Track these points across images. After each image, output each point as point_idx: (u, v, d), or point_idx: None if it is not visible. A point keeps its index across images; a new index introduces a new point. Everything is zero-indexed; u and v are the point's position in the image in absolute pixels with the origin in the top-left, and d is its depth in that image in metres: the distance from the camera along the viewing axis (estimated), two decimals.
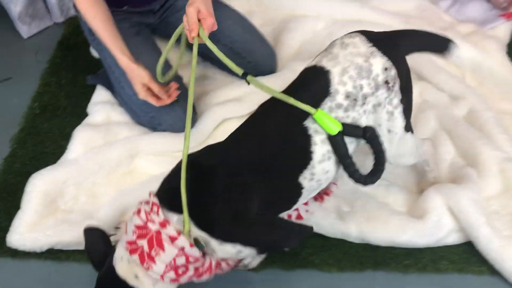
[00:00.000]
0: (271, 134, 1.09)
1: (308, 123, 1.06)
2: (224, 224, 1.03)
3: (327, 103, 1.06)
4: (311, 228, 1.23)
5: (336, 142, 1.06)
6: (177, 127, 1.53)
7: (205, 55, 1.77)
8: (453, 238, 1.37)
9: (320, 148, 1.07)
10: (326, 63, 1.09)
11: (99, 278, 1.07)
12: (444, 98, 1.68)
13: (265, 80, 1.70)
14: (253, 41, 1.70)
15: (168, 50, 1.29)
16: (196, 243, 1.03)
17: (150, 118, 1.52)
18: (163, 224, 1.00)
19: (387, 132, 1.15)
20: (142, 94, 1.42)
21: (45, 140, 1.62)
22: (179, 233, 1.00)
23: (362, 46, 1.09)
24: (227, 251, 1.05)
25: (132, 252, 1.01)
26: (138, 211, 1.04)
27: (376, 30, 1.84)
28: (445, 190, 1.37)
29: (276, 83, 1.67)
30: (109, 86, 1.71)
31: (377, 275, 1.33)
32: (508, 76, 1.76)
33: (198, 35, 1.19)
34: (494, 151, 1.47)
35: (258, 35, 1.74)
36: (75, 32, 1.98)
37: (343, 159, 1.07)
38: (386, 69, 1.08)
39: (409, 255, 1.36)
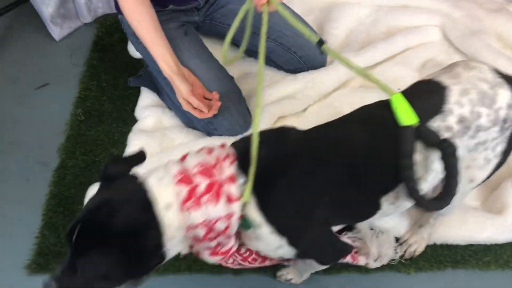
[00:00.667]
0: (367, 142, 0.97)
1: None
2: (286, 214, 0.93)
3: (436, 121, 0.92)
4: (352, 248, 1.14)
5: (404, 135, 0.91)
6: (235, 131, 1.47)
7: (249, 50, 1.70)
8: None
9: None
10: (444, 79, 0.95)
11: (116, 179, 0.87)
12: None
13: (316, 74, 1.64)
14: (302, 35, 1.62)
15: (234, 28, 1.14)
16: (243, 220, 0.91)
17: (206, 123, 1.45)
18: (231, 179, 0.88)
19: (468, 181, 1.03)
20: (185, 107, 1.36)
21: (94, 149, 1.55)
22: (238, 198, 0.88)
23: (489, 73, 0.96)
24: (270, 242, 0.95)
25: (180, 181, 0.85)
26: (210, 151, 0.92)
27: (423, 15, 1.81)
28: None
29: (330, 77, 1.63)
30: (155, 88, 1.64)
31: (457, 274, 1.29)
32: None
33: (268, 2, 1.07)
34: None
35: (308, 27, 1.66)
36: (108, 32, 1.90)
37: (404, 158, 0.90)
38: (510, 105, 0.94)
39: (489, 251, 1.32)
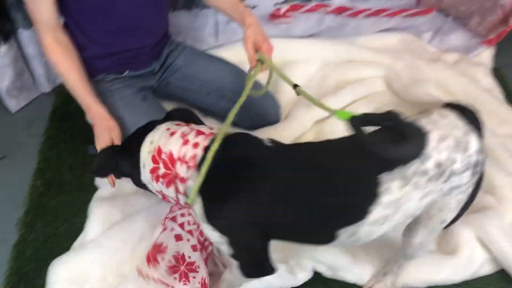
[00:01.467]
0: (335, 166, 1.00)
1: (385, 177, 0.96)
2: (227, 220, 1.02)
3: (415, 165, 0.95)
4: (274, 270, 1.13)
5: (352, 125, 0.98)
6: None
7: (208, 110, 1.76)
8: (486, 269, 1.40)
9: (381, 211, 0.98)
10: (425, 124, 0.98)
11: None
12: None
13: (272, 130, 1.70)
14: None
15: (243, 98, 1.17)
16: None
17: None
18: (182, 180, 1.04)
19: (439, 222, 1.08)
20: (101, 146, 1.31)
21: (55, 220, 1.54)
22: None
23: (460, 121, 1.00)
24: (211, 236, 1.06)
25: (152, 157, 1.06)
26: (186, 142, 1.05)
27: (368, 68, 1.94)
28: (471, 221, 1.40)
29: (284, 133, 1.70)
30: None
31: None
32: (500, 101, 1.84)
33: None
34: (507, 178, 1.52)
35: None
36: (66, 101, 1.92)
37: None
38: (479, 151, 0.99)
39: None
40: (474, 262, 1.38)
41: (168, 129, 1.08)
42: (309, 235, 1.08)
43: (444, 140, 0.96)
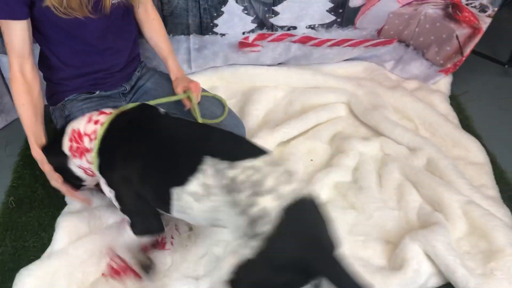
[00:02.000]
0: (186, 138, 1.25)
1: (208, 160, 1.12)
2: (113, 175, 1.27)
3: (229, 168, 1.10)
4: (162, 229, 1.34)
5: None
6: None
7: None
8: (433, 282, 1.45)
9: (197, 186, 1.12)
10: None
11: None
12: (403, 150, 1.82)
13: None
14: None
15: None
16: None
17: None
18: (87, 150, 1.31)
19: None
20: (53, 182, 1.49)
21: (24, 234, 1.60)
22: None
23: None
24: (105, 190, 1.31)
25: (69, 138, 1.34)
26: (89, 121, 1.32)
27: (332, 94, 2.05)
28: (419, 237, 1.46)
29: None
30: None
31: None
32: (455, 125, 1.95)
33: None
34: (456, 196, 1.60)
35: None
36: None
37: None
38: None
39: None
40: (421, 276, 1.43)
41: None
42: (158, 194, 1.23)
43: None
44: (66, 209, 1.64)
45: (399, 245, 1.49)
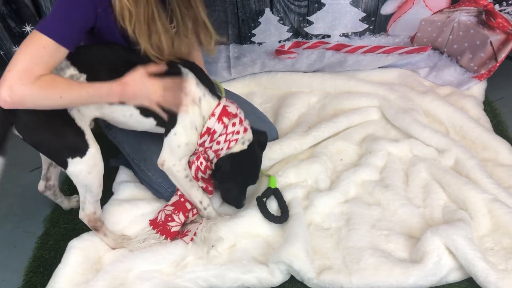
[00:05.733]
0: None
1: None
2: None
3: None
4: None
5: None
6: None
7: None
8: (454, 276, 1.47)
9: None
10: None
11: None
12: (432, 151, 1.86)
13: (271, 144, 1.88)
14: (254, 121, 1.86)
15: None
16: None
17: (170, 193, 1.70)
18: None
19: None
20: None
21: (75, 218, 1.77)
22: None
23: None
24: None
25: None
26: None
27: (364, 99, 2.12)
28: (440, 231, 1.49)
29: (281, 151, 1.90)
30: (131, 167, 1.91)
31: None
32: (486, 129, 1.96)
33: None
34: (481, 194, 1.62)
35: (259, 114, 1.96)
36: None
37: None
38: None
39: None
40: (442, 269, 1.45)
41: None
42: None
43: None
44: (112, 197, 1.81)
45: (420, 239, 1.53)
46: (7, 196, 1.94)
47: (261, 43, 2.18)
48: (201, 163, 1.58)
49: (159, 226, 1.59)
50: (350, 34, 2.18)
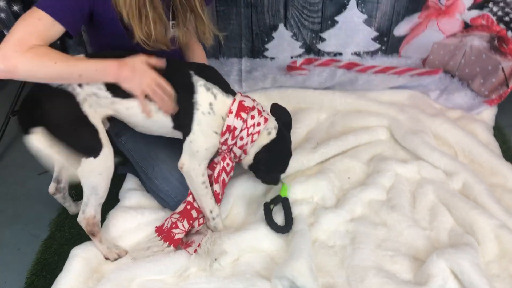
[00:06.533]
0: None
1: None
2: None
3: None
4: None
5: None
6: None
7: None
8: None
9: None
10: None
11: None
12: (440, 174, 1.86)
13: None
14: None
15: None
16: None
17: (176, 202, 1.70)
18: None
19: None
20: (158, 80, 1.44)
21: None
22: None
23: None
24: None
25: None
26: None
27: (373, 118, 2.12)
28: (446, 254, 1.48)
29: (289, 166, 1.88)
30: (138, 175, 1.92)
31: None
32: (495, 154, 1.96)
33: None
34: (489, 219, 1.60)
35: None
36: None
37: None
38: None
39: None
40: None
41: None
42: None
43: None
44: (118, 204, 1.81)
45: (426, 261, 1.52)
46: (14, 198, 1.95)
47: (273, 58, 2.21)
48: (228, 164, 1.61)
49: (164, 232, 1.59)
50: (362, 53, 2.20)
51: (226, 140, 1.56)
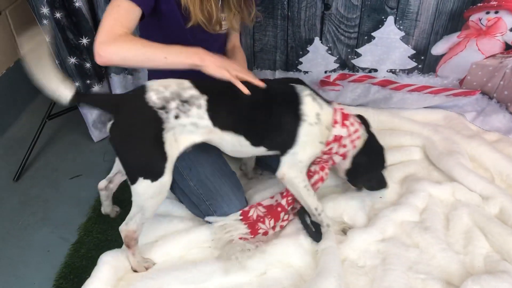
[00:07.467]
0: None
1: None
2: None
3: None
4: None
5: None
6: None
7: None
8: None
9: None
10: None
11: None
12: (475, 197, 1.80)
13: None
14: None
15: None
16: None
17: (207, 206, 1.69)
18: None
19: None
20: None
21: (109, 229, 1.80)
22: None
23: None
24: None
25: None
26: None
27: (407, 137, 2.08)
28: (482, 281, 1.43)
29: None
30: None
31: None
32: None
33: None
34: None
35: None
36: None
37: None
38: None
39: None
40: None
41: None
42: None
43: None
44: None
45: (459, 287, 1.47)
46: (46, 201, 1.98)
47: (307, 72, 2.19)
48: (326, 174, 1.66)
49: (250, 220, 1.63)
50: (397, 71, 2.16)
51: (330, 149, 1.58)
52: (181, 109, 1.36)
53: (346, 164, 1.68)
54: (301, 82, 1.58)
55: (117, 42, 1.37)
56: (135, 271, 1.56)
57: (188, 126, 1.40)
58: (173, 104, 1.36)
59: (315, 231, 1.63)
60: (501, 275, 1.46)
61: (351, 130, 1.59)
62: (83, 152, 2.25)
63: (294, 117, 1.48)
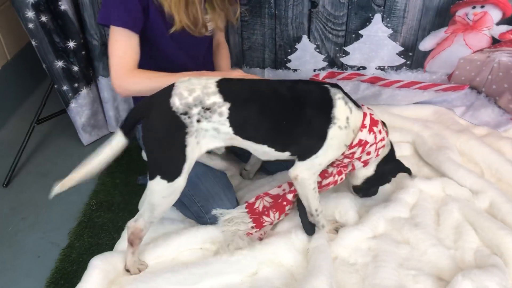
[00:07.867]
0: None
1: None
2: None
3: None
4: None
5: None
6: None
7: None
8: None
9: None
10: None
11: None
12: (465, 192, 1.81)
13: None
14: None
15: None
16: None
17: (199, 208, 1.69)
18: None
19: None
20: None
21: (100, 233, 1.79)
22: None
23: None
24: None
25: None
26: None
27: (397, 133, 2.09)
28: (472, 275, 1.43)
29: None
30: None
31: None
32: None
33: None
34: None
35: None
36: None
37: None
38: None
39: None
40: None
41: None
42: None
43: None
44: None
45: (450, 282, 1.47)
46: (36, 205, 1.97)
47: (296, 70, 2.19)
48: (341, 179, 1.67)
49: (255, 214, 1.63)
50: (386, 67, 2.17)
51: (353, 153, 1.54)
52: (203, 115, 1.35)
53: (368, 171, 1.67)
54: (337, 86, 1.53)
55: (131, 79, 1.53)
56: (127, 270, 1.55)
57: (211, 131, 1.39)
58: (195, 110, 1.34)
59: (309, 223, 1.63)
60: (491, 269, 1.46)
61: (378, 137, 1.56)
62: (73, 156, 2.23)
63: (326, 120, 1.44)
